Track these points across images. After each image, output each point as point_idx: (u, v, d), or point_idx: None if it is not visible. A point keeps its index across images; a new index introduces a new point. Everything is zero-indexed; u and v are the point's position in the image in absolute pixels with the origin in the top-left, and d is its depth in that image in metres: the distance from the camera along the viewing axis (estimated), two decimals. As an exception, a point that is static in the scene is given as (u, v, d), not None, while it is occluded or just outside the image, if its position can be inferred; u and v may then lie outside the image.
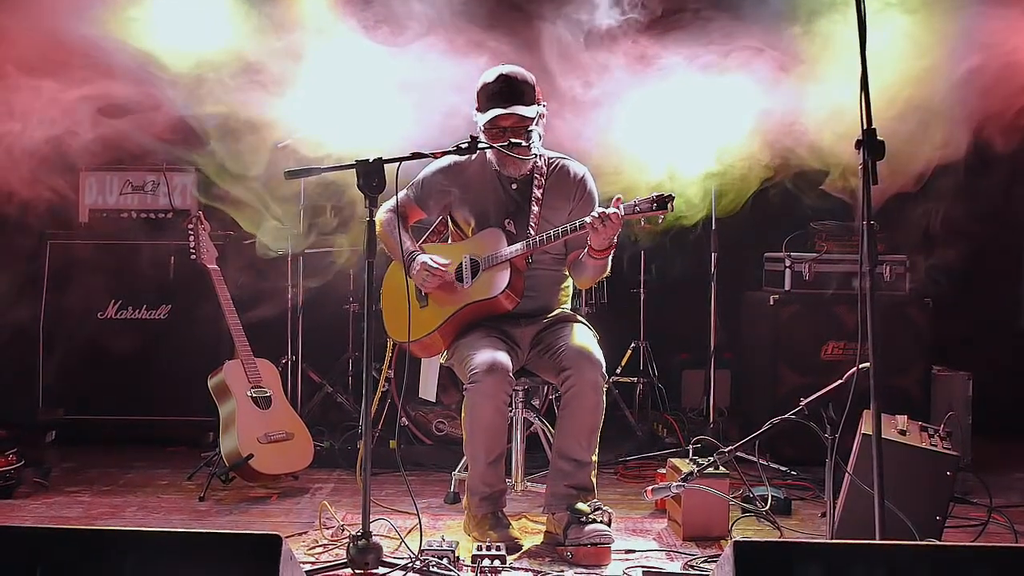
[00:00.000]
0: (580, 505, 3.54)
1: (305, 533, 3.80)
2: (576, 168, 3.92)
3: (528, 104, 3.73)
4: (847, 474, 3.50)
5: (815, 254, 5.21)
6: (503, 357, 3.62)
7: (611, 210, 3.49)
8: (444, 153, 3.58)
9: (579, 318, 3.92)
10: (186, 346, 5.19)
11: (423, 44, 4.67)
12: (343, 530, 3.70)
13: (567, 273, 3.95)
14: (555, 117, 4.31)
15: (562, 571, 3.40)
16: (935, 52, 4.23)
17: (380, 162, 3.32)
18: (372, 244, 3.32)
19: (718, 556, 3.31)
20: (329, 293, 5.48)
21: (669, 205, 3.46)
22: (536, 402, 4.23)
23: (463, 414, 3.67)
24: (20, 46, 4.41)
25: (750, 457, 4.15)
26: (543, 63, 4.54)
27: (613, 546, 3.53)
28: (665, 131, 4.79)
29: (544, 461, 3.89)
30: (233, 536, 2.47)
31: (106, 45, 4.46)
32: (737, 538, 2.39)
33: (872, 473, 2.73)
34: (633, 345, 5.69)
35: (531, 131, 3.74)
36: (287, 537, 2.49)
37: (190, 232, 4.59)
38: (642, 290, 5.70)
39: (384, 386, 4.95)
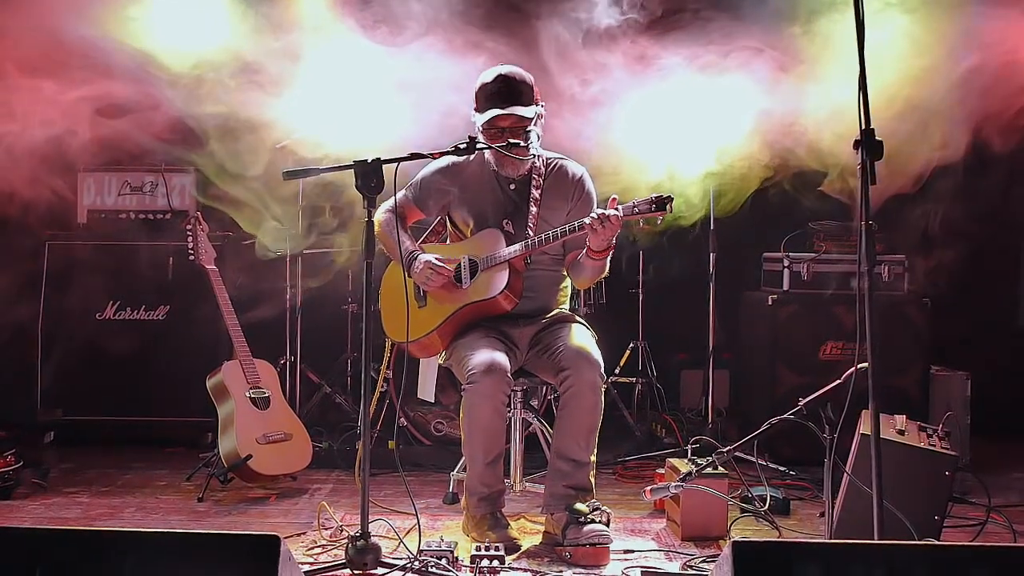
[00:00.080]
0: (579, 505, 3.54)
1: (304, 534, 3.80)
2: (574, 168, 3.92)
3: (526, 104, 3.73)
4: (846, 474, 3.50)
5: (813, 254, 5.21)
6: (501, 357, 3.62)
7: (610, 211, 3.49)
8: (443, 154, 3.58)
9: (577, 318, 3.92)
10: (185, 347, 5.19)
11: (421, 44, 4.67)
12: (342, 530, 3.70)
13: (565, 274, 3.95)
14: (554, 117, 4.31)
15: (561, 571, 3.40)
16: (934, 52, 4.24)
17: (378, 162, 3.31)
18: (371, 244, 3.32)
19: (717, 556, 3.31)
20: (328, 294, 5.48)
21: (668, 206, 3.46)
22: (535, 402, 4.23)
23: (461, 414, 3.67)
24: (20, 46, 4.41)
25: (749, 457, 4.15)
26: (542, 63, 4.54)
27: (612, 546, 3.53)
28: (665, 131, 4.80)
29: (543, 461, 3.89)
30: (232, 537, 2.47)
31: (105, 45, 4.46)
32: (736, 538, 2.40)
33: (871, 473, 2.73)
34: (632, 345, 5.69)
35: (529, 131, 3.74)
36: (286, 538, 2.48)
37: (188, 233, 4.59)
38: (640, 290, 5.70)
39: (383, 386, 4.94)
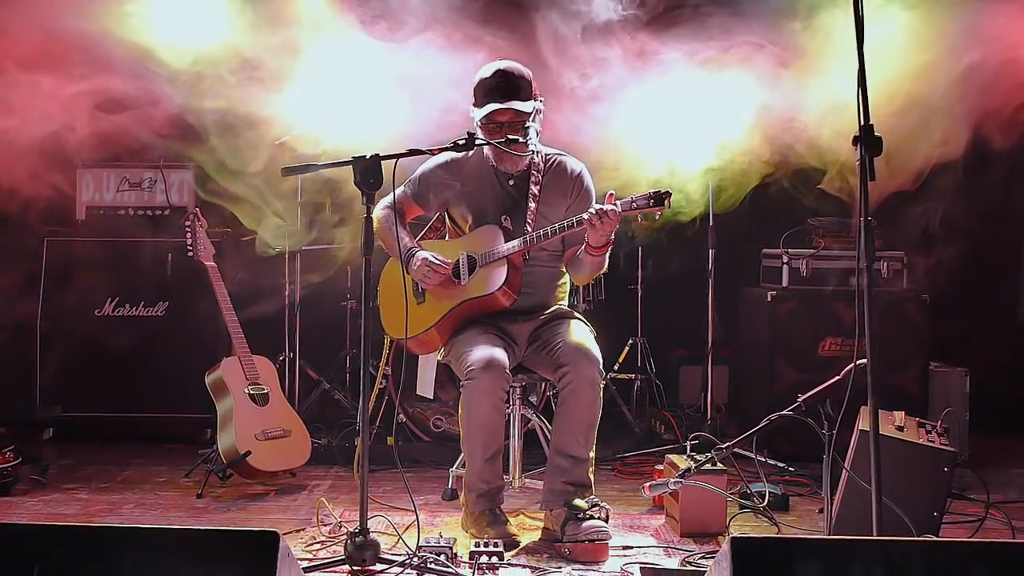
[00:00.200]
0: (578, 501, 3.54)
1: (303, 530, 3.80)
2: (573, 164, 3.91)
3: (525, 99, 3.72)
4: (844, 470, 3.50)
5: (813, 250, 5.21)
6: (500, 354, 3.62)
7: (608, 207, 3.49)
8: (441, 150, 3.58)
9: (576, 315, 3.92)
10: (183, 343, 5.19)
11: (420, 40, 4.66)
12: (341, 527, 3.70)
13: (564, 270, 3.94)
14: (554, 112, 4.31)
15: (560, 567, 3.40)
16: (935, 48, 4.23)
17: (377, 158, 3.31)
18: (369, 241, 3.32)
19: (716, 552, 3.31)
20: (327, 290, 5.48)
21: (666, 201, 3.45)
22: (534, 399, 4.23)
23: (460, 411, 3.66)
24: (19, 42, 4.40)
25: (748, 453, 4.15)
26: (541, 58, 4.53)
27: (611, 542, 3.53)
28: (665, 127, 4.79)
29: (542, 458, 3.89)
30: (231, 533, 2.47)
31: (104, 41, 4.45)
32: (735, 534, 2.39)
33: (870, 469, 2.73)
34: (631, 341, 5.69)
35: (528, 127, 3.73)
36: (285, 534, 2.48)
37: (187, 229, 4.59)
38: (639, 286, 5.70)
39: (382, 383, 4.94)
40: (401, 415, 4.99)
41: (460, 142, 3.49)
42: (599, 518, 3.51)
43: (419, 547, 3.32)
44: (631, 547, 3.63)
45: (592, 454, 3.69)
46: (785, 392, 4.59)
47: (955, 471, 3.52)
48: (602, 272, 3.86)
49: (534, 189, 3.84)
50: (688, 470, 3.65)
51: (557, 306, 3.96)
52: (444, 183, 3.91)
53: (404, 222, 3.98)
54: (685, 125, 4.79)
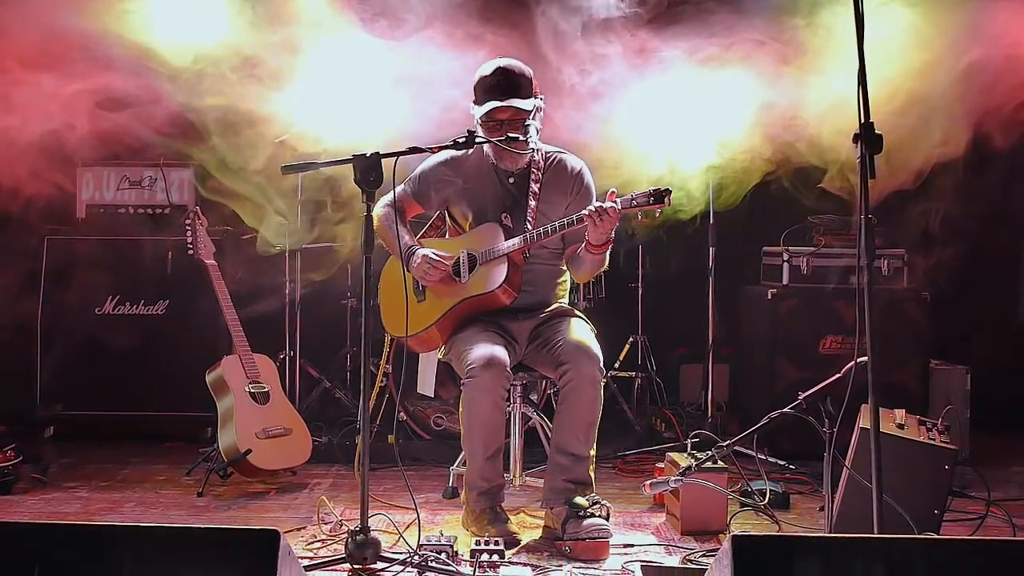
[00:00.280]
0: (578, 499, 3.54)
1: (303, 528, 3.80)
2: (573, 162, 3.91)
3: (525, 97, 3.72)
4: (845, 468, 3.50)
5: (813, 248, 5.20)
6: (501, 352, 3.62)
7: (608, 204, 3.49)
8: (441, 148, 3.57)
9: (577, 312, 3.91)
10: (184, 342, 5.19)
11: (421, 37, 4.66)
12: (341, 525, 3.70)
13: (564, 268, 3.94)
14: (555, 110, 4.30)
15: (560, 565, 3.40)
16: (936, 46, 4.23)
17: (377, 156, 3.31)
18: (369, 239, 3.32)
19: (716, 550, 3.31)
20: (327, 288, 5.48)
21: (666, 199, 3.45)
22: (534, 397, 4.23)
23: (461, 409, 3.66)
24: (19, 41, 4.40)
25: (748, 451, 4.15)
26: (542, 55, 4.53)
27: (611, 540, 3.53)
28: (666, 124, 4.79)
29: (542, 456, 3.89)
30: (231, 531, 2.47)
31: (104, 39, 4.45)
32: (735, 532, 2.39)
33: (870, 467, 2.72)
34: (631, 339, 5.69)
35: (528, 124, 3.73)
36: (285, 532, 2.48)
37: (187, 227, 4.59)
38: (640, 284, 5.69)
39: (382, 381, 4.94)
40: (402, 413, 4.99)
41: (460, 140, 3.48)
42: (600, 516, 3.51)
43: (420, 545, 3.31)
44: (632, 545, 3.63)
45: (593, 452, 3.69)
46: (786, 390, 4.59)
47: (956, 469, 3.52)
48: (603, 270, 3.86)
49: (534, 187, 3.84)
50: (689, 468, 3.65)
51: (557, 304, 3.96)
52: (445, 180, 3.91)
53: (404, 220, 3.98)
54: (686, 123, 4.79)
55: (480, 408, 3.59)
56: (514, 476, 3.94)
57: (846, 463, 3.49)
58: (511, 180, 3.88)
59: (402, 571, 3.23)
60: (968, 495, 3.96)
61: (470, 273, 3.80)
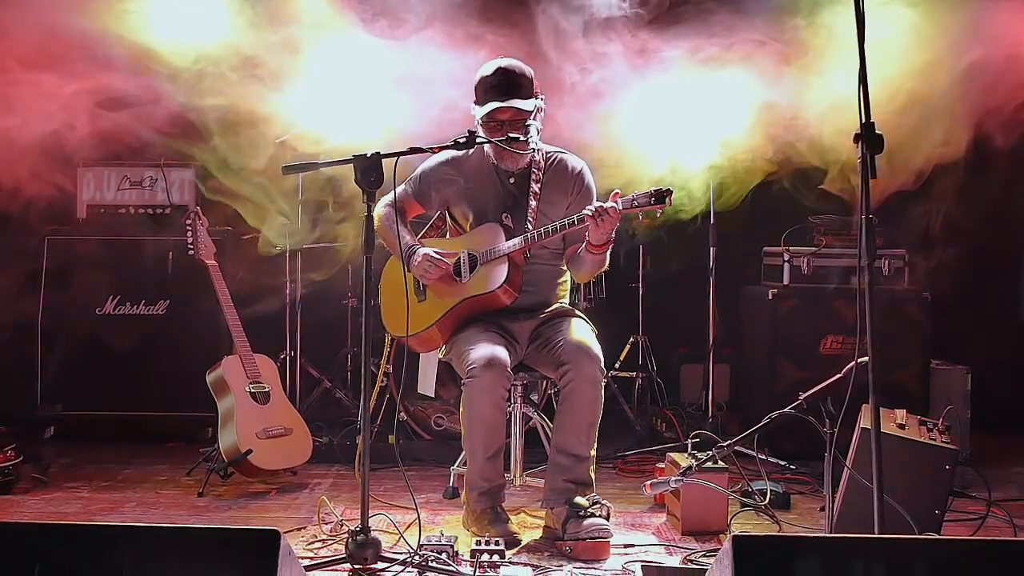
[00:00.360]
0: (579, 499, 3.54)
1: (304, 528, 3.80)
2: (574, 162, 3.91)
3: (526, 97, 3.72)
4: (846, 468, 3.50)
5: (814, 248, 5.20)
6: (501, 352, 3.62)
7: (609, 204, 3.48)
8: (442, 148, 3.57)
9: (577, 313, 3.91)
10: (184, 342, 5.19)
11: (421, 37, 4.66)
12: (342, 525, 3.70)
13: (565, 268, 3.94)
14: (556, 108, 4.31)
15: (561, 565, 3.39)
16: (937, 45, 4.22)
17: (378, 156, 3.31)
18: (370, 239, 3.32)
19: (717, 550, 3.30)
20: (328, 288, 5.48)
21: (667, 199, 3.45)
22: (535, 397, 4.22)
23: (462, 409, 3.66)
24: (20, 40, 4.40)
25: (749, 451, 4.15)
26: (544, 55, 4.53)
27: (612, 540, 3.52)
28: (667, 124, 4.79)
29: (543, 456, 3.89)
30: (232, 531, 2.47)
31: (104, 39, 4.45)
32: (736, 532, 2.39)
33: (871, 467, 2.72)
34: (632, 340, 5.69)
35: (529, 125, 3.73)
36: (286, 532, 2.48)
37: (188, 228, 4.59)
38: (641, 285, 5.69)
39: (383, 381, 4.94)
40: (402, 413, 4.99)
41: (461, 140, 3.48)
42: (600, 516, 3.51)
43: (420, 545, 3.31)
44: (632, 545, 3.63)
45: (593, 452, 3.68)
46: (786, 390, 4.59)
47: (956, 469, 3.52)
48: (603, 270, 3.86)
49: (535, 187, 3.84)
50: (689, 468, 3.65)
51: (558, 304, 3.95)
52: (446, 179, 3.91)
53: (405, 220, 3.98)
54: (688, 123, 4.79)
55: (481, 408, 3.59)
56: (515, 476, 3.94)
57: (847, 463, 3.49)
58: (512, 180, 3.88)
59: (402, 571, 3.23)
60: (969, 495, 3.96)
61: (471, 273, 3.80)
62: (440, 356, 3.97)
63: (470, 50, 4.45)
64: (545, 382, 4.23)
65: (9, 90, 4.44)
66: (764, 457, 4.60)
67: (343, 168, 3.43)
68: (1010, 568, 2.30)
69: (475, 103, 3.78)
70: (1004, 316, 5.96)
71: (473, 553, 3.31)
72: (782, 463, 4.70)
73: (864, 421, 3.47)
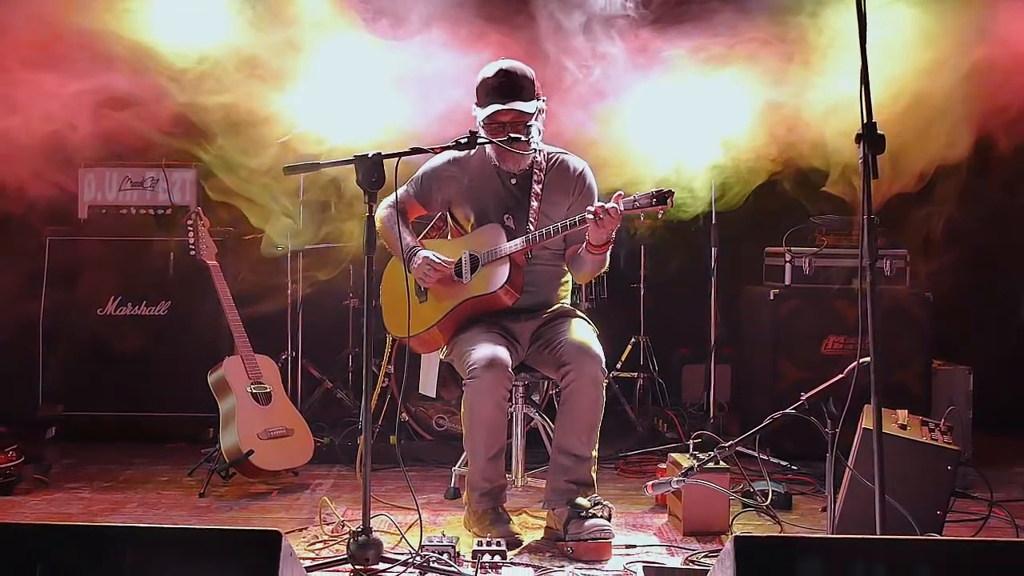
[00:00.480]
0: (580, 500, 3.54)
1: (305, 529, 3.80)
2: (575, 163, 3.91)
3: (527, 99, 3.71)
4: (848, 469, 3.49)
5: (815, 248, 5.20)
6: (502, 352, 3.61)
7: (610, 205, 3.48)
8: (443, 148, 3.57)
9: (579, 313, 3.91)
10: (186, 342, 5.19)
11: (423, 37, 4.66)
12: (343, 526, 3.70)
13: (566, 268, 3.94)
14: (560, 106, 4.30)
15: (562, 566, 3.39)
16: (943, 44, 4.22)
17: (379, 157, 3.30)
18: (371, 240, 3.32)
19: (719, 551, 3.31)
20: (329, 289, 5.48)
21: (669, 200, 3.44)
22: (536, 397, 4.22)
23: (463, 410, 3.66)
24: (22, 40, 4.40)
25: (750, 452, 4.15)
26: (547, 55, 4.53)
27: (613, 541, 3.52)
28: (671, 124, 4.79)
29: (544, 456, 3.89)
30: (233, 532, 2.47)
31: (106, 38, 4.45)
32: (738, 533, 2.39)
33: (873, 468, 2.72)
34: (633, 340, 5.68)
35: (530, 126, 3.73)
36: (287, 533, 2.48)
37: (189, 228, 4.59)
38: (642, 285, 5.69)
39: (384, 382, 4.94)
40: (403, 414, 4.99)
41: (462, 140, 3.48)
42: (602, 517, 3.51)
43: (422, 546, 3.31)
44: (634, 546, 3.63)
45: (595, 453, 3.68)
46: (788, 390, 4.59)
47: (958, 470, 3.52)
48: (603, 271, 3.86)
49: (536, 188, 3.84)
50: (691, 469, 3.65)
51: (559, 305, 3.95)
52: (448, 177, 3.90)
53: (407, 221, 3.98)
54: (691, 122, 4.79)
55: (482, 409, 3.58)
56: (516, 477, 3.93)
57: (848, 464, 3.49)
58: (513, 181, 3.87)
59: (404, 572, 3.23)
60: (971, 496, 3.96)
61: (472, 274, 3.80)
62: (441, 357, 3.97)
63: (472, 49, 4.45)
64: (546, 383, 4.23)
65: (11, 90, 4.44)
66: (766, 458, 4.59)
67: (345, 168, 3.43)
68: (1012, 569, 2.30)
69: (477, 105, 3.78)
70: (1006, 316, 5.95)
71: (474, 554, 3.31)
72: (784, 464, 4.70)
73: (866, 421, 3.47)
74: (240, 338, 4.54)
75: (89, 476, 4.64)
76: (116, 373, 5.18)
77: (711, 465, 3.69)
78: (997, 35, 4.21)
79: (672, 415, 5.47)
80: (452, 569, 3.22)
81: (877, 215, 2.79)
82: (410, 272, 3.80)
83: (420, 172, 3.98)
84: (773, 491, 4.06)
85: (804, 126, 4.53)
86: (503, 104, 3.68)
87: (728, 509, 3.82)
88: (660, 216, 3.53)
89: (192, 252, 4.59)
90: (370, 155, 3.29)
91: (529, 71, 3.78)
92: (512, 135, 3.63)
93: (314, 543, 3.62)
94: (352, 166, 3.33)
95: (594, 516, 3.49)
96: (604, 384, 3.63)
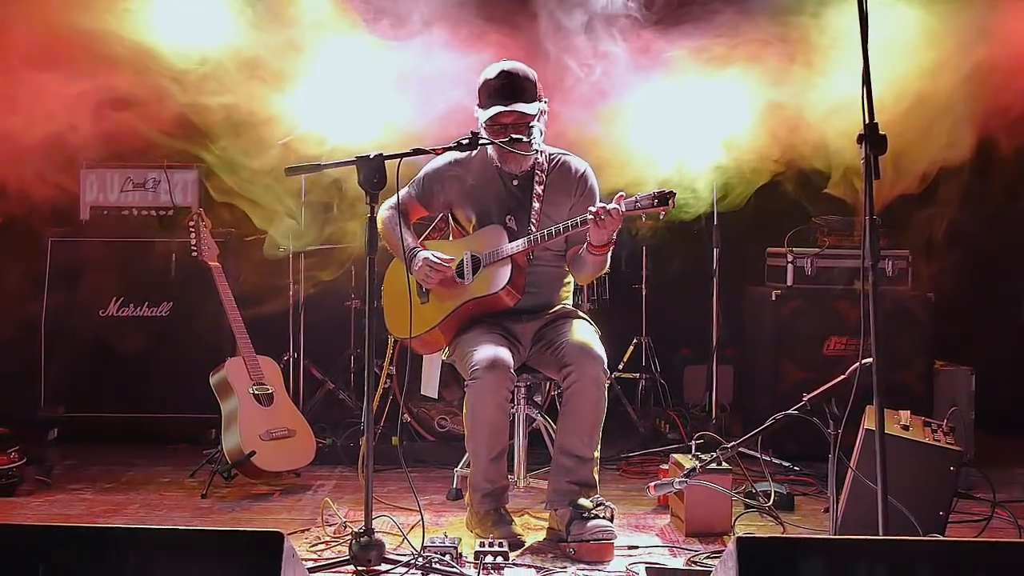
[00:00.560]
0: (582, 501, 3.53)
1: (307, 530, 3.80)
2: (577, 164, 3.91)
3: (529, 101, 3.71)
4: (850, 469, 3.49)
5: (817, 249, 5.20)
6: (504, 353, 3.61)
7: (612, 206, 3.48)
8: (445, 149, 3.57)
9: (580, 314, 3.91)
10: (188, 343, 5.19)
11: (424, 37, 4.66)
12: (345, 527, 3.70)
13: (568, 269, 3.94)
14: (562, 106, 4.30)
15: (565, 567, 3.39)
16: (946, 44, 4.21)
17: (381, 158, 3.30)
18: (373, 241, 3.31)
19: (721, 552, 3.30)
20: (331, 290, 5.48)
21: (670, 201, 3.44)
22: (538, 398, 4.22)
23: (465, 410, 3.66)
24: (23, 41, 4.41)
25: (753, 453, 4.15)
26: (547, 54, 4.52)
27: (616, 542, 3.52)
28: (673, 124, 4.79)
29: (546, 457, 3.89)
30: (235, 533, 2.47)
31: (107, 39, 4.45)
32: (740, 534, 2.39)
33: (875, 468, 2.72)
34: (635, 341, 5.68)
35: (532, 127, 3.73)
36: (289, 534, 2.47)
37: (191, 229, 4.59)
38: (644, 286, 5.69)
39: (386, 383, 4.94)
40: (405, 415, 4.99)
41: (464, 142, 3.48)
42: (604, 518, 3.51)
43: (424, 547, 3.31)
44: (636, 547, 3.63)
45: (597, 454, 3.68)
46: (790, 391, 4.58)
47: (961, 470, 3.51)
48: (604, 272, 3.85)
49: (538, 189, 3.84)
50: (693, 469, 3.64)
51: (561, 305, 3.95)
52: (450, 177, 3.90)
53: (408, 223, 3.98)
54: (694, 123, 4.79)
55: (484, 410, 3.58)
56: (518, 478, 3.93)
57: (851, 465, 3.48)
58: (515, 182, 3.87)
59: (406, 573, 3.23)
60: (973, 496, 3.96)
61: (474, 275, 3.80)
62: (443, 358, 3.97)
63: (473, 49, 4.45)
64: (548, 383, 4.22)
65: (13, 90, 4.44)
66: (768, 458, 4.59)
67: (347, 169, 3.43)
68: (1014, 570, 2.30)
69: (478, 106, 3.78)
70: (1008, 317, 5.95)
71: (477, 555, 3.32)
72: (786, 464, 4.69)
73: (868, 422, 3.46)
74: (242, 339, 4.54)
75: (91, 477, 4.64)
76: (118, 374, 5.18)
77: (713, 466, 3.69)
78: (999, 35, 4.21)
79: (674, 416, 5.47)
80: (454, 570, 3.22)
81: (879, 216, 2.79)
82: (411, 273, 3.80)
83: (421, 173, 3.98)
84: (775, 492, 4.05)
85: (806, 127, 4.53)
86: (505, 105, 3.68)
87: (730, 510, 3.82)
88: (661, 217, 3.53)
89: (194, 253, 4.59)
90: (372, 156, 3.29)
91: (531, 72, 3.78)
92: (514, 136, 3.63)
93: (316, 544, 3.62)
94: (353, 167, 3.33)
95: (596, 517, 3.49)
96: (606, 385, 3.63)
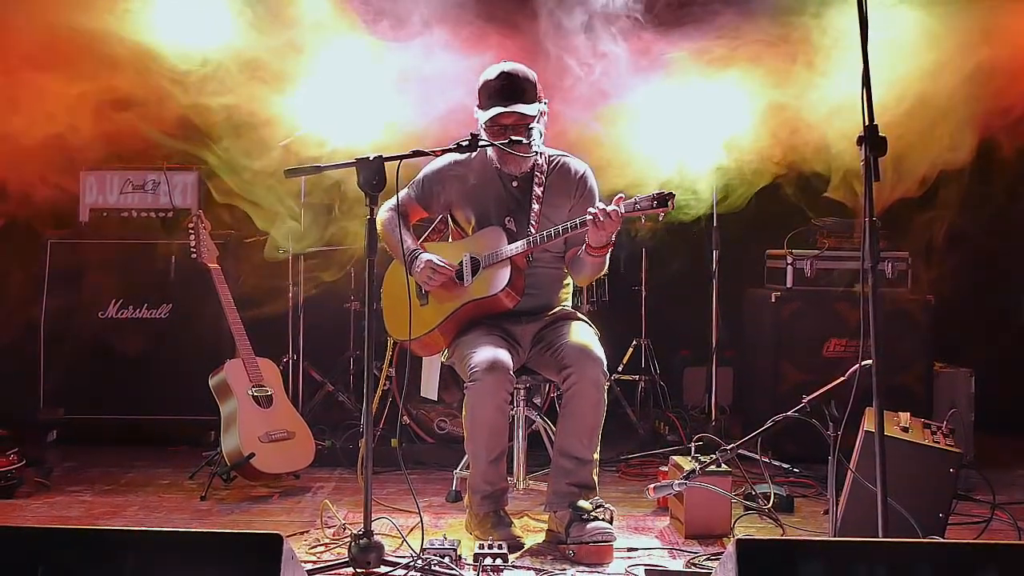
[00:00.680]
0: (582, 503, 3.53)
1: (307, 532, 3.80)
2: (577, 165, 3.91)
3: (529, 102, 3.71)
4: (850, 471, 3.49)
5: (817, 251, 5.20)
6: (504, 355, 3.61)
7: (611, 207, 3.48)
8: (445, 151, 3.57)
9: (580, 316, 3.91)
10: (187, 345, 5.19)
11: (424, 38, 4.66)
12: (344, 529, 3.69)
13: (567, 270, 3.94)
14: (563, 106, 4.30)
15: (564, 569, 3.39)
16: (947, 45, 4.22)
17: (380, 160, 3.30)
18: (373, 242, 3.31)
19: (720, 554, 3.30)
20: (330, 292, 5.48)
21: (670, 203, 3.44)
22: (537, 400, 4.22)
23: (464, 412, 3.66)
24: (24, 42, 4.41)
25: (752, 454, 4.14)
26: (547, 54, 4.53)
27: (615, 544, 3.52)
28: (674, 126, 4.79)
29: (546, 459, 3.88)
30: (234, 535, 2.46)
31: (109, 40, 4.46)
32: (739, 536, 2.39)
33: (875, 470, 2.72)
34: (635, 343, 5.68)
35: (532, 128, 3.73)
36: (288, 536, 2.48)
37: (191, 231, 4.59)
38: (643, 287, 5.69)
39: (385, 385, 4.94)
40: (405, 417, 4.99)
41: (463, 143, 3.48)
42: (603, 520, 3.51)
43: (423, 549, 3.31)
44: (635, 549, 3.62)
45: (596, 455, 3.68)
46: (789, 393, 4.59)
47: (960, 472, 3.51)
48: (603, 273, 3.85)
49: (537, 190, 3.84)
50: (692, 471, 3.64)
51: (561, 307, 3.95)
52: (451, 177, 3.90)
53: (408, 224, 3.98)
54: (694, 124, 4.79)
55: (483, 411, 3.58)
56: (517, 480, 3.93)
57: (850, 466, 3.48)
58: (514, 184, 3.87)
59: (406, 575, 3.23)
60: (973, 498, 3.95)
61: (473, 276, 3.80)
62: (443, 359, 3.97)
63: (473, 50, 4.45)
64: (548, 385, 4.23)
65: (14, 91, 4.45)
66: (767, 460, 4.59)
67: (347, 170, 3.43)
68: (1014, 571, 2.30)
69: (478, 107, 3.78)
70: (1007, 318, 5.95)
71: (476, 557, 3.31)
72: (785, 466, 4.69)
73: (868, 424, 3.46)
74: (241, 341, 4.53)
75: (90, 479, 4.63)
76: (117, 376, 5.18)
77: (713, 468, 3.68)
78: (1000, 37, 4.21)
79: (674, 418, 5.47)
80: (454, 572, 3.22)
81: (879, 219, 2.79)
82: (412, 275, 3.80)
83: (421, 175, 3.98)
84: (775, 494, 4.06)
85: (807, 128, 4.53)
86: (505, 107, 3.68)
87: (730, 512, 3.82)
88: (661, 218, 3.53)
89: (193, 255, 4.59)
90: (371, 158, 3.29)
91: (531, 73, 3.78)
92: (513, 138, 3.63)
93: (315, 546, 3.61)
94: (353, 168, 3.32)
95: (596, 519, 3.49)
96: (605, 387, 3.63)
